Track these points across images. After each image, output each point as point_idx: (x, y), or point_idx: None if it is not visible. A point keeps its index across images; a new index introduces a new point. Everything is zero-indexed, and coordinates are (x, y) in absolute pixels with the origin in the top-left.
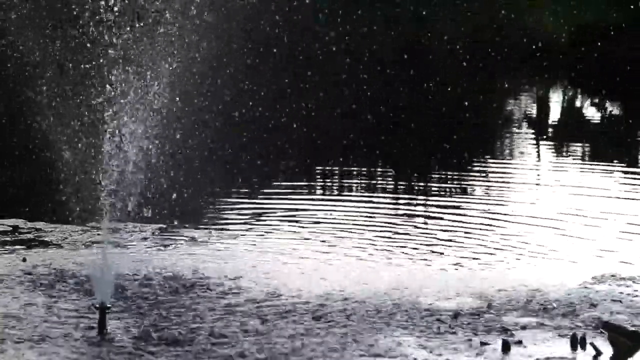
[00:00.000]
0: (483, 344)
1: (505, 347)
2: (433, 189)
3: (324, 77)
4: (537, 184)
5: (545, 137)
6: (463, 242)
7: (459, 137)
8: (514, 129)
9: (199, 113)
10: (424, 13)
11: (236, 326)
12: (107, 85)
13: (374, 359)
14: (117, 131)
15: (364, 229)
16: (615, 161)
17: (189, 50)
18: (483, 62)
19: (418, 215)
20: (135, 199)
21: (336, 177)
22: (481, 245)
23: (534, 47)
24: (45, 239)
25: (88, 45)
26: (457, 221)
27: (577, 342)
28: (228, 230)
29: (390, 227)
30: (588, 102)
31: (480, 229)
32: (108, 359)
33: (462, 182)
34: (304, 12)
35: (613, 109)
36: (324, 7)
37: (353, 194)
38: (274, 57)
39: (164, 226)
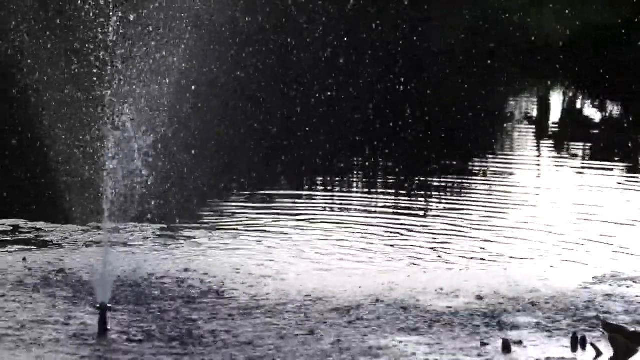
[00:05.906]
0: (483, 344)
1: (505, 347)
2: (432, 189)
3: (322, 78)
4: (537, 184)
5: (545, 137)
6: (463, 242)
7: (458, 137)
8: (514, 129)
9: (199, 113)
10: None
11: (238, 326)
12: (110, 85)
13: (374, 359)
14: (117, 131)
15: (363, 230)
16: (615, 161)
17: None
18: (483, 62)
19: (418, 216)
20: (135, 199)
21: (337, 178)
22: (481, 245)
23: (533, 46)
24: (45, 239)
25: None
26: (457, 221)
27: (577, 342)
28: (228, 230)
29: (390, 228)
30: (589, 102)
31: (480, 229)
32: (108, 359)
33: (462, 182)
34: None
35: (614, 109)
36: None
37: (353, 194)
38: (270, 54)
39: (165, 226)
